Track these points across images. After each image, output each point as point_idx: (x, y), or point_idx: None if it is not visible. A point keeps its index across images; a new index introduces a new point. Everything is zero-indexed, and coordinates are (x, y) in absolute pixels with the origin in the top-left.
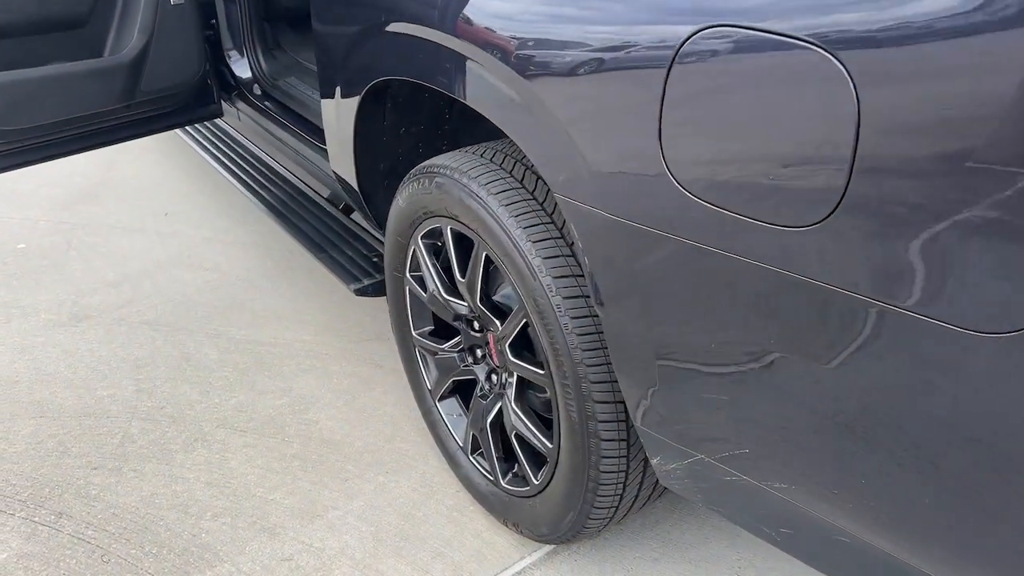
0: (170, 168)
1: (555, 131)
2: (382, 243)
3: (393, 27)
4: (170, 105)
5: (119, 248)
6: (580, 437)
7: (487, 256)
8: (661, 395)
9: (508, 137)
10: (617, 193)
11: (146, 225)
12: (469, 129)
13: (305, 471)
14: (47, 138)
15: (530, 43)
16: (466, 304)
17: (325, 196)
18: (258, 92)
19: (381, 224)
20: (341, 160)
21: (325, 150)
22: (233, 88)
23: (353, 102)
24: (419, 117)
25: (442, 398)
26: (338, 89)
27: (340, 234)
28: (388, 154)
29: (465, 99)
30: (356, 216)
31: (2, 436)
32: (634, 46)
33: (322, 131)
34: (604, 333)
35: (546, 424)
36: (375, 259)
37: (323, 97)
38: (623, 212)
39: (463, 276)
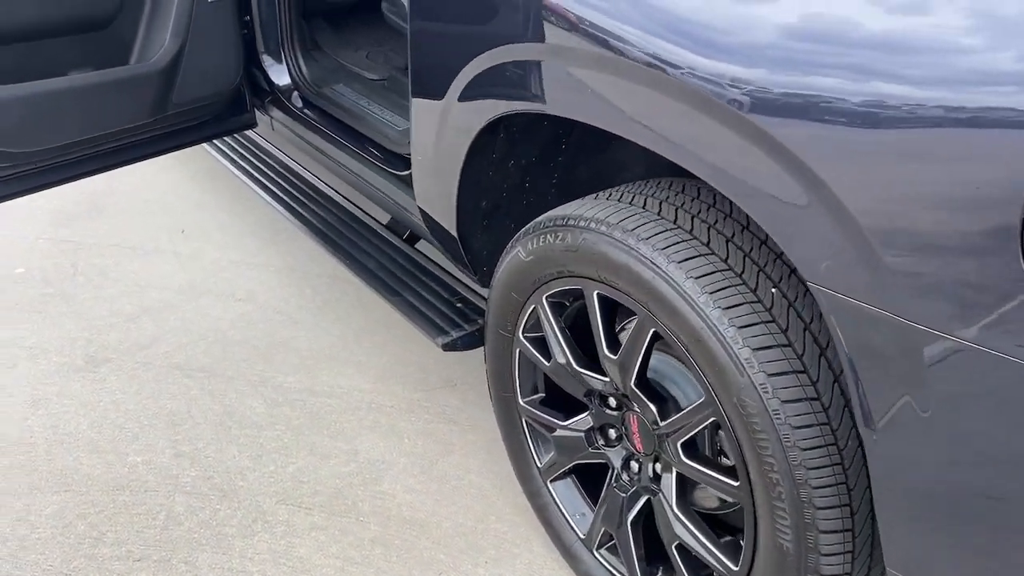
0: (181, 175)
1: (823, 207)
2: (464, 284)
3: (543, 51)
4: (201, 116)
5: (133, 273)
6: (794, 571)
7: (655, 333)
8: (955, 548)
9: (660, 179)
10: (934, 299)
11: (161, 244)
12: (586, 160)
13: (389, 561)
14: (64, 158)
15: (796, 91)
16: (609, 382)
17: (383, 222)
18: (298, 100)
19: (475, 269)
20: (436, 198)
21: (387, 170)
22: (267, 94)
23: (466, 134)
24: (532, 148)
25: (556, 479)
26: (441, 118)
27: (408, 269)
28: (493, 191)
29: (662, 151)
30: (422, 245)
31: (22, 516)
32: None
33: (380, 147)
34: (869, 460)
35: (707, 521)
36: (458, 304)
37: (416, 124)
38: (940, 324)
39: (612, 351)
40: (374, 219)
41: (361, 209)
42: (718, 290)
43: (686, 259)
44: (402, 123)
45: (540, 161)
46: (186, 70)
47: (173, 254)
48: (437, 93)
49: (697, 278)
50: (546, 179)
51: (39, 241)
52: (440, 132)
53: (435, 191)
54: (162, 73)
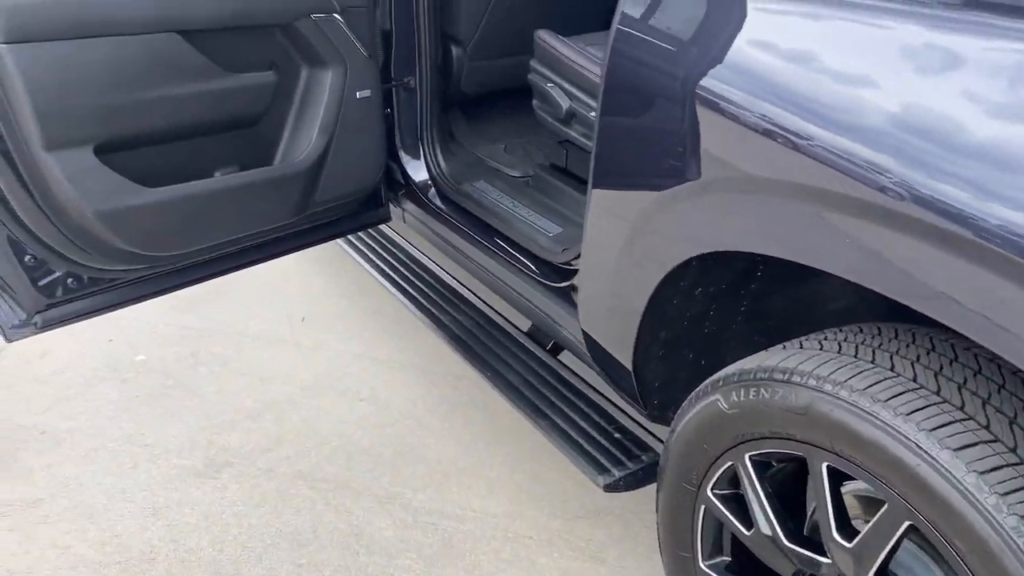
0: (300, 259)
1: None
2: (621, 409)
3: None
4: (339, 213)
5: (255, 364)
6: None
7: (911, 526)
8: None
9: (897, 329)
10: None
11: (282, 333)
12: (782, 289)
13: None
14: (198, 258)
15: None
16: (831, 564)
17: (522, 328)
18: (436, 196)
19: (644, 402)
20: (610, 325)
21: (538, 280)
22: (400, 187)
23: (659, 266)
24: (725, 275)
25: None
26: (630, 243)
27: (554, 386)
28: (675, 321)
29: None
30: (566, 357)
31: None
32: None
33: (529, 252)
34: None
35: None
36: (616, 434)
37: (593, 242)
38: None
39: (845, 537)
40: (512, 324)
41: (497, 311)
42: (1013, 491)
43: (964, 446)
44: (552, 228)
45: (731, 288)
46: (330, 168)
47: (295, 344)
48: (628, 213)
49: (982, 472)
50: (734, 306)
51: (159, 326)
52: (625, 260)
53: (610, 318)
54: (307, 173)
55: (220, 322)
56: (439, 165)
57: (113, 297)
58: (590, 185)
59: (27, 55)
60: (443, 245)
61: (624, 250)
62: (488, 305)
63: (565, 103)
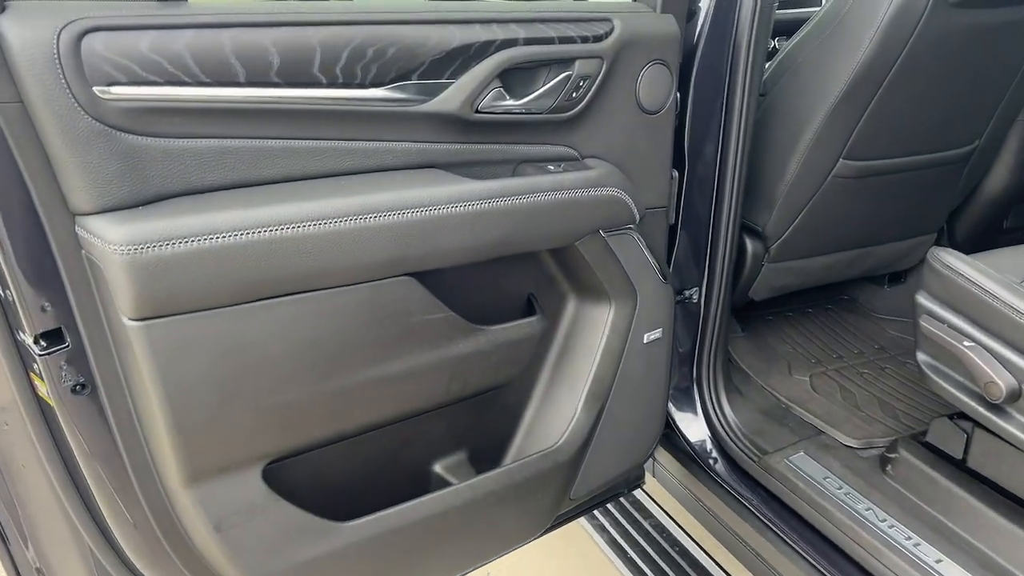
0: None
1: None
2: None
3: None
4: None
5: None
6: None
7: None
8: None
9: None
10: None
11: None
12: None
13: None
14: None
15: None
16: None
17: None
18: (723, 467)
19: None
20: None
21: None
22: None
23: None
24: None
25: None
26: None
27: None
28: None
29: None
30: None
31: None
32: None
33: None
34: None
35: None
36: None
37: None
38: None
39: None
40: None
41: None
42: None
43: None
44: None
45: None
46: (595, 451)
47: None
48: None
49: None
50: None
51: None
52: None
53: None
54: (563, 466)
55: None
56: (723, 414)
57: None
58: None
59: (170, 336)
60: (729, 537)
61: None
62: None
63: (1007, 381)
